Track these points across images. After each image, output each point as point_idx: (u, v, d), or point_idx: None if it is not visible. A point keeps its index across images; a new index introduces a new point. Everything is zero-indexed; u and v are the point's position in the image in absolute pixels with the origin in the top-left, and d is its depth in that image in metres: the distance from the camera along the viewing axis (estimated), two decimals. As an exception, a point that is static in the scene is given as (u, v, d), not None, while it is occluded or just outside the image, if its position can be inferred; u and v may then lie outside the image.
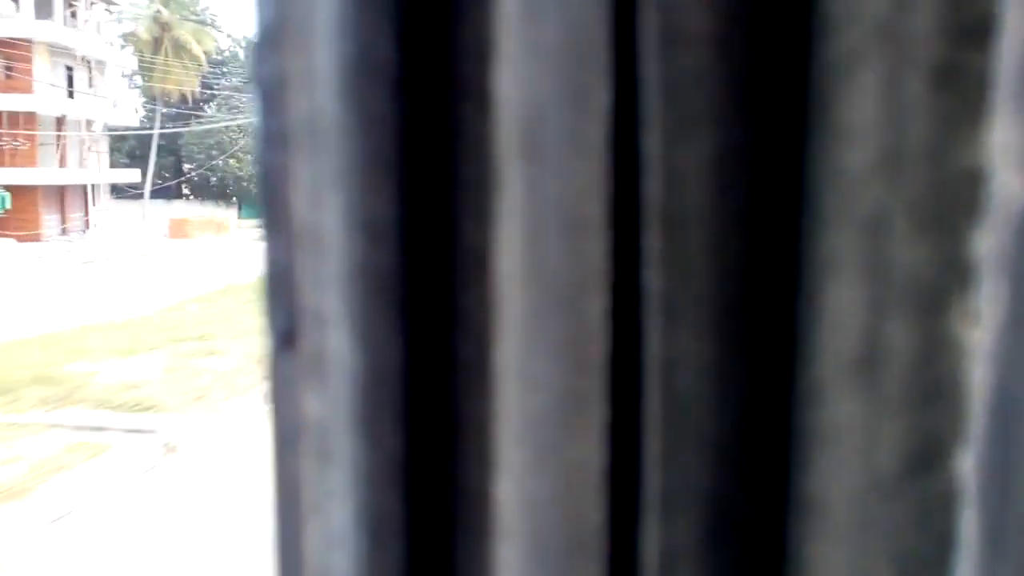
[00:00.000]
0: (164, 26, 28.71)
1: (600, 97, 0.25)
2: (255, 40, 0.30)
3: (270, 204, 0.30)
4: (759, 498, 0.27)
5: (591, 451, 0.28)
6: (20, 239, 20.28)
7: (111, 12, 27.73)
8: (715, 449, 0.27)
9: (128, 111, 28.26)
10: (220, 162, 29.72)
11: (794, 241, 0.26)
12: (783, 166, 0.26)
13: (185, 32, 29.07)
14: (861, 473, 0.25)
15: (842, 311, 0.25)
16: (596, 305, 0.27)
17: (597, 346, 0.27)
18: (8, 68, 21.96)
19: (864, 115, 0.24)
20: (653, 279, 0.26)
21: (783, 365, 0.27)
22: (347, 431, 0.30)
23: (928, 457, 0.24)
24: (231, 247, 20.90)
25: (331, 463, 0.30)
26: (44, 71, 22.71)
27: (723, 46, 0.25)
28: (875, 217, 0.24)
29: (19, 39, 21.50)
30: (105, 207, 26.50)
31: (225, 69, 32.13)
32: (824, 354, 0.26)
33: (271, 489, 0.32)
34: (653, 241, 0.26)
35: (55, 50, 22.86)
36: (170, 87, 29.10)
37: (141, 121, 29.63)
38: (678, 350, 0.27)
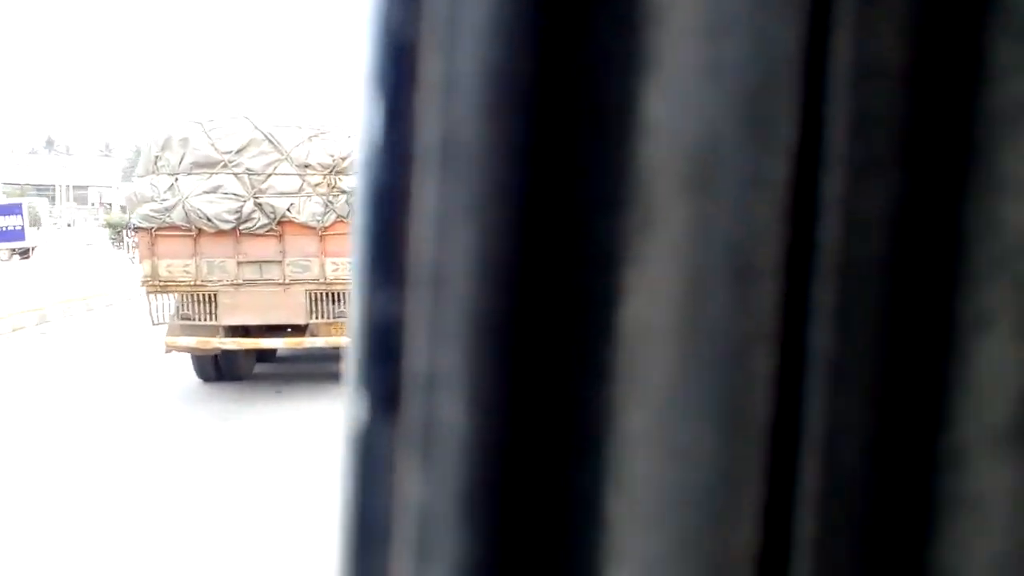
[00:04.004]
0: None
1: (786, 129, 0.31)
2: (380, 38, 0.33)
3: (381, 239, 0.33)
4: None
5: (743, 538, 0.32)
6: None
7: None
8: (866, 530, 0.32)
9: None
10: None
11: (945, 295, 0.32)
12: (940, 215, 0.32)
13: None
14: (1003, 544, 0.30)
15: (992, 371, 0.30)
16: (762, 365, 0.32)
17: (760, 412, 0.32)
18: None
19: None
20: (822, 337, 0.32)
21: (924, 427, 0.32)
22: (454, 520, 0.33)
23: None
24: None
25: (432, 560, 0.33)
26: None
27: (911, 83, 0.31)
28: None
29: None
30: None
31: None
32: (970, 416, 0.31)
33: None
34: (826, 294, 0.31)
35: None
36: None
37: None
38: (842, 420, 0.32)
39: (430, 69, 0.32)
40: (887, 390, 0.32)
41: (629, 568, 0.32)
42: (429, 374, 0.33)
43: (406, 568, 0.33)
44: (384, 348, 0.34)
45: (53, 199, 66.46)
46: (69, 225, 57.69)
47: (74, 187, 72.17)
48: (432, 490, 0.33)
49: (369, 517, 0.34)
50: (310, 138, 9.91)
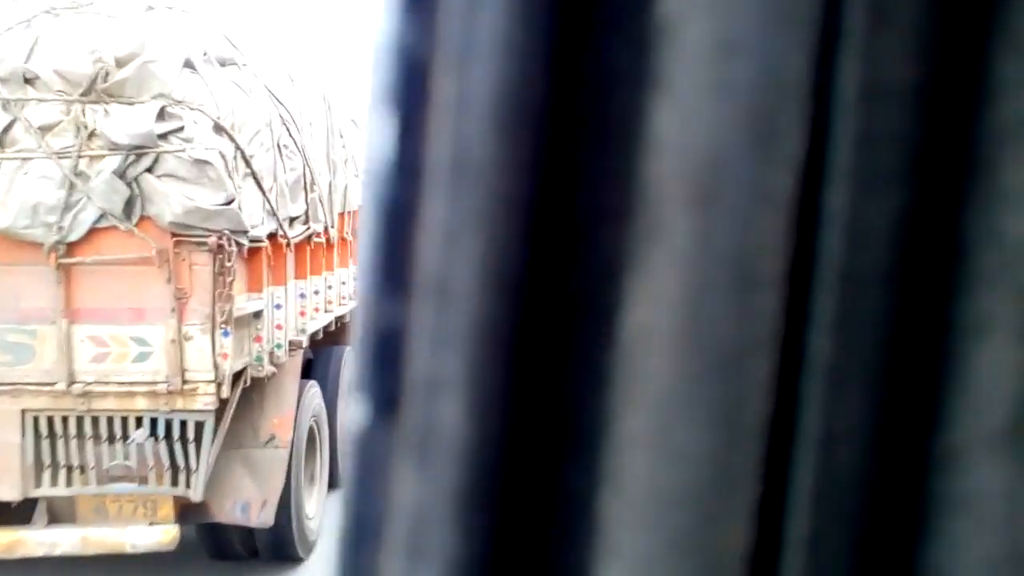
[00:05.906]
0: None
1: (792, 146, 0.53)
2: (394, 56, 0.56)
3: (388, 249, 0.56)
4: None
5: (735, 536, 0.56)
6: None
7: None
8: (859, 530, 0.56)
9: None
10: None
11: (944, 303, 0.55)
12: (942, 226, 0.55)
13: None
14: (997, 545, 0.52)
15: (990, 375, 0.53)
16: (761, 370, 0.54)
17: (757, 415, 0.55)
18: None
19: None
20: (822, 343, 0.55)
21: (920, 430, 0.56)
22: (446, 521, 0.55)
23: None
24: None
25: (422, 559, 0.56)
26: None
27: (917, 100, 0.53)
28: None
29: None
30: None
31: None
32: (966, 419, 0.54)
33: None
34: (827, 302, 0.54)
35: None
36: None
37: None
38: (838, 422, 0.55)
39: (443, 87, 0.54)
40: (884, 394, 0.55)
41: (621, 566, 0.55)
42: (430, 379, 0.55)
43: (396, 567, 0.55)
44: (387, 354, 0.56)
45: None
46: None
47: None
48: (426, 491, 0.55)
49: (363, 517, 0.57)
50: (51, 12, 6.88)
